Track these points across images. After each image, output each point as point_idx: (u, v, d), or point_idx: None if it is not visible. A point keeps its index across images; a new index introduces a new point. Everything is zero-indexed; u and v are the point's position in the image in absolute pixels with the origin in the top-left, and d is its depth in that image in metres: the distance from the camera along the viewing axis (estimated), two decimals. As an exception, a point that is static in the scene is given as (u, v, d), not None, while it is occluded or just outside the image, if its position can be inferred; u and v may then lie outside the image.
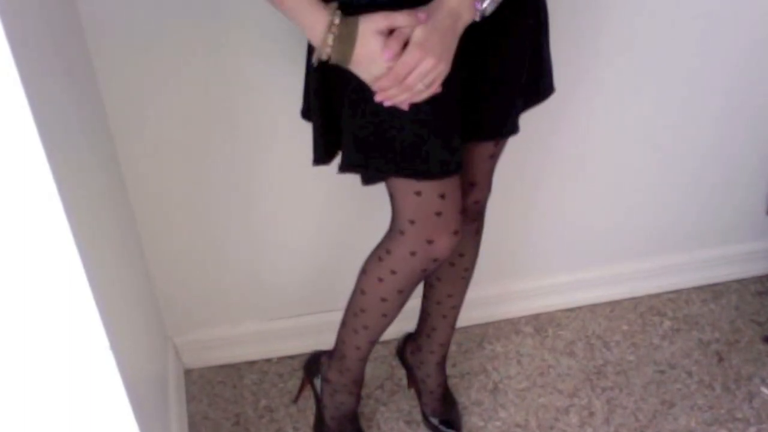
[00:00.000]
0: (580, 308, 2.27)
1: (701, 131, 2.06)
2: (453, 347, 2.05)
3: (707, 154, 2.12)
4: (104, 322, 1.12)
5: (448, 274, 1.71)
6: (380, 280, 1.54)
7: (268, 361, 2.11)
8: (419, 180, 1.35)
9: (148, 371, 1.62)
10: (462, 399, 2.01)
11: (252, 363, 2.11)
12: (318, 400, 1.87)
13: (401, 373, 2.03)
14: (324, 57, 1.22)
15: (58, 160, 1.01)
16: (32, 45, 1.04)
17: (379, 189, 1.46)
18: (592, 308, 2.28)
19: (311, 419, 1.94)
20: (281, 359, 2.11)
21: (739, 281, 2.36)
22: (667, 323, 2.24)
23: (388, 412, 1.99)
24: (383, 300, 1.57)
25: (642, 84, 1.93)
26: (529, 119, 1.47)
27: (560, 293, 2.24)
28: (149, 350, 1.71)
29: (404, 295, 1.57)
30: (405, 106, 1.25)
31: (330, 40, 1.21)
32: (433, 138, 1.30)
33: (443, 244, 1.45)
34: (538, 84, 1.46)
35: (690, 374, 2.09)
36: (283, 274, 2.01)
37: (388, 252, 1.51)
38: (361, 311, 1.62)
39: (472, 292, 1.78)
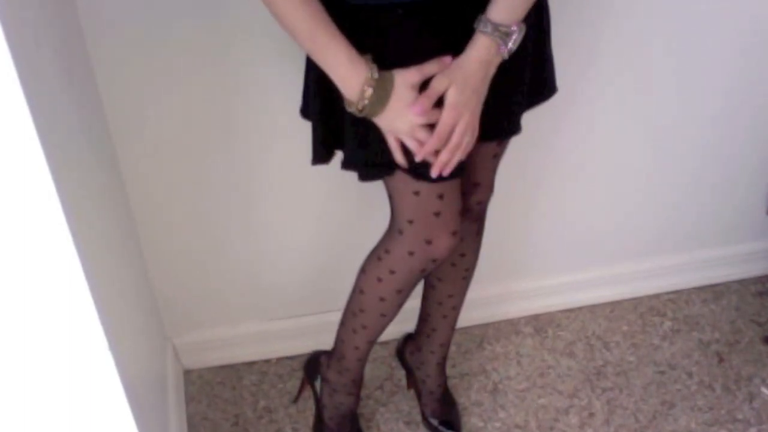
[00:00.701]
0: (580, 309, 2.27)
1: (701, 131, 2.06)
2: (453, 348, 2.05)
3: (707, 154, 2.11)
4: (103, 322, 1.12)
5: (448, 274, 1.70)
6: (379, 279, 1.54)
7: (268, 361, 2.11)
8: (418, 180, 1.35)
9: (147, 372, 1.62)
10: (462, 399, 2.01)
11: (251, 364, 2.10)
12: (317, 401, 1.87)
13: (401, 373, 2.03)
14: (359, 108, 1.24)
15: (57, 160, 1.01)
16: (31, 45, 1.03)
17: (379, 189, 1.46)
18: (592, 309, 2.27)
19: (310, 420, 1.94)
20: (280, 360, 2.11)
21: (740, 281, 2.36)
22: (668, 324, 2.23)
23: (388, 412, 1.99)
24: (382, 300, 1.57)
25: (642, 84, 1.92)
26: (529, 119, 1.47)
27: (560, 294, 2.24)
28: (148, 351, 1.71)
29: (403, 295, 1.56)
30: (449, 169, 1.31)
31: (368, 95, 1.23)
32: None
33: (442, 245, 1.44)
34: (540, 83, 1.46)
35: (690, 375, 2.08)
36: (283, 274, 2.01)
37: (386, 252, 1.51)
38: (360, 311, 1.62)
39: (472, 293, 1.77)
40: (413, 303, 1.78)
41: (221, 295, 2.01)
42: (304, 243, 1.97)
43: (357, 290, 1.61)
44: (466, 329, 2.18)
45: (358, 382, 1.80)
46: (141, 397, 1.41)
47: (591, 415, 1.98)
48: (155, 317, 1.93)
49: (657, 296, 2.31)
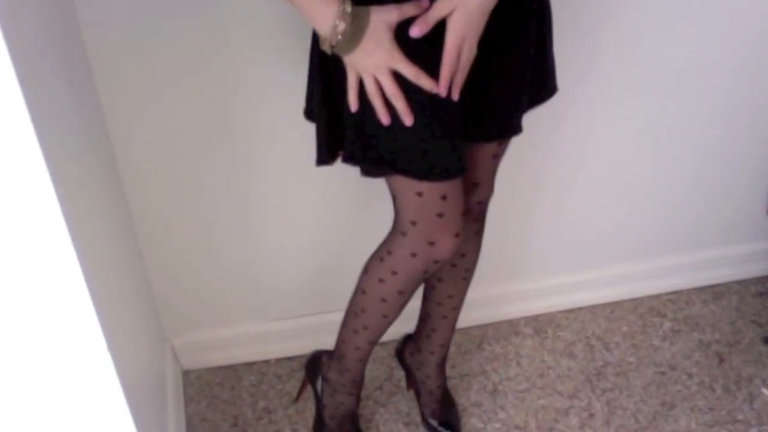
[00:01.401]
0: (579, 309, 2.27)
1: (701, 132, 2.06)
2: (452, 348, 2.05)
3: (707, 155, 2.11)
4: (102, 323, 1.12)
5: (449, 274, 1.70)
6: (381, 280, 1.54)
7: (267, 362, 2.11)
8: (421, 180, 1.35)
9: (146, 373, 1.61)
10: (461, 400, 2.00)
11: (250, 364, 2.10)
12: (318, 400, 1.86)
13: (400, 374, 2.02)
14: (333, 44, 1.21)
15: (56, 161, 1.01)
16: (29, 44, 1.03)
17: (381, 190, 1.45)
18: (592, 309, 2.27)
19: (310, 421, 1.93)
20: (279, 360, 2.11)
21: (740, 282, 2.36)
22: (668, 324, 2.23)
23: (387, 413, 1.98)
24: (383, 300, 1.56)
25: (642, 84, 1.92)
26: (529, 119, 1.47)
27: (560, 294, 2.24)
28: (147, 352, 1.71)
29: (405, 296, 1.56)
30: (457, 91, 1.27)
31: (341, 29, 1.19)
32: (435, 139, 1.30)
33: (445, 246, 1.44)
34: (541, 84, 1.45)
35: (690, 375, 2.08)
36: (282, 275, 2.01)
37: (389, 252, 1.50)
38: (362, 311, 1.61)
39: (472, 293, 1.77)
40: (413, 303, 1.78)
41: (220, 295, 2.00)
42: (304, 244, 1.97)
43: (359, 291, 1.61)
44: (466, 330, 2.17)
45: (359, 383, 1.79)
46: (140, 397, 1.41)
47: (591, 415, 1.97)
48: (154, 318, 1.92)
49: (657, 297, 2.31)
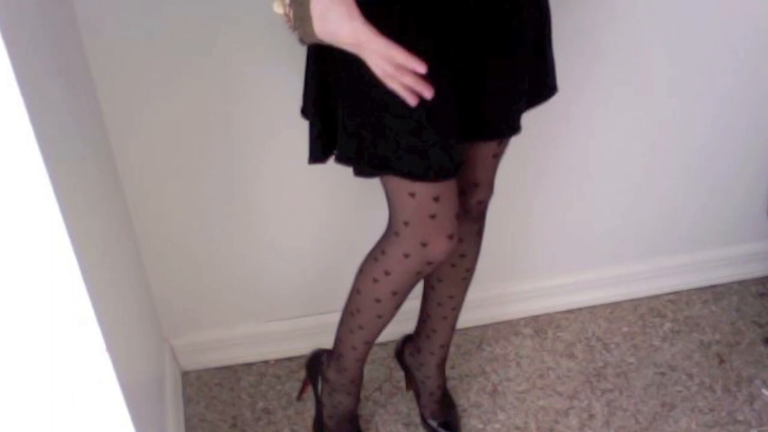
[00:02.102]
0: (579, 310, 2.26)
1: (701, 132, 2.06)
2: (452, 349, 2.04)
3: (707, 155, 2.11)
4: (101, 324, 1.12)
5: (449, 275, 1.70)
6: (375, 280, 1.54)
7: (266, 363, 2.10)
8: (413, 181, 1.35)
9: (145, 373, 1.61)
10: (461, 401, 2.00)
11: (249, 365, 2.10)
12: (317, 400, 1.86)
13: (400, 375, 2.02)
14: (295, 29, 1.18)
15: (55, 161, 1.00)
16: (28, 44, 1.03)
17: (380, 190, 1.45)
18: (592, 310, 2.27)
19: (309, 421, 1.93)
20: (279, 361, 2.10)
21: (740, 282, 2.35)
22: (668, 325, 2.23)
23: (387, 414, 1.98)
24: (377, 301, 1.56)
25: (642, 84, 1.92)
26: (529, 119, 1.47)
27: (560, 295, 2.24)
28: (146, 352, 1.70)
29: (399, 297, 1.56)
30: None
31: (291, 15, 1.18)
32: (429, 139, 1.30)
33: (438, 248, 1.44)
34: (540, 84, 1.45)
35: (690, 376, 2.08)
36: (281, 275, 2.00)
37: (383, 253, 1.50)
38: (357, 311, 1.62)
39: (471, 294, 1.77)
40: (413, 304, 1.78)
41: (219, 296, 2.00)
42: (303, 244, 1.96)
43: (354, 290, 1.61)
44: (466, 330, 2.17)
45: (357, 383, 1.79)
46: (138, 398, 1.41)
47: (591, 416, 1.97)
48: (153, 318, 1.92)
49: (657, 297, 2.31)
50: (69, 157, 1.18)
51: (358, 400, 1.83)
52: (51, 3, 1.32)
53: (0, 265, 1.01)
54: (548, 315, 2.25)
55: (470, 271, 1.71)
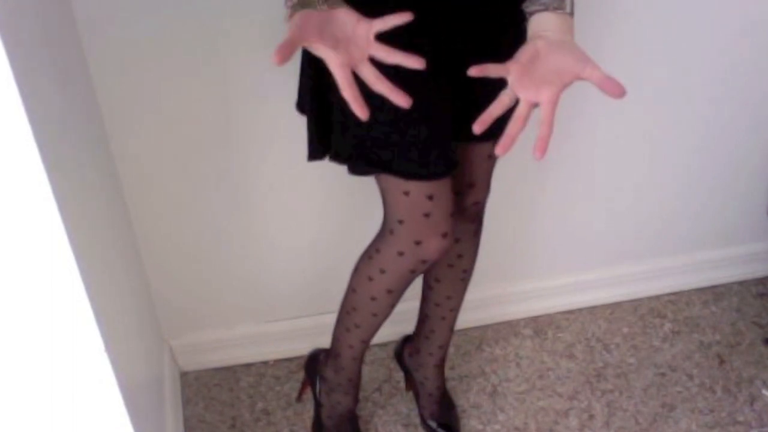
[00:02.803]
0: (579, 310, 2.26)
1: (701, 132, 2.06)
2: (451, 349, 2.04)
3: (707, 155, 2.11)
4: (99, 324, 1.12)
5: (446, 275, 1.70)
6: (370, 278, 1.54)
7: (265, 363, 2.10)
8: (407, 180, 1.35)
9: (144, 374, 1.61)
10: (460, 402, 2.00)
11: (248, 365, 2.09)
12: (316, 400, 1.86)
13: (399, 375, 2.02)
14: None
15: (53, 161, 1.00)
16: (26, 43, 1.02)
17: (377, 190, 1.44)
18: (592, 310, 2.26)
19: (308, 422, 1.93)
20: (278, 362, 2.10)
21: (741, 283, 2.35)
22: (668, 325, 2.22)
23: (386, 415, 1.97)
24: (373, 299, 1.57)
25: (642, 85, 1.92)
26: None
27: (560, 295, 2.23)
28: (145, 353, 1.70)
29: (394, 296, 1.56)
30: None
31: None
32: (422, 138, 1.30)
33: (432, 247, 1.44)
34: None
35: (691, 377, 2.07)
36: (280, 276, 2.00)
37: (377, 251, 1.51)
38: (353, 309, 1.62)
39: (471, 294, 1.76)
40: (412, 304, 1.78)
41: (218, 296, 2.00)
42: (302, 245, 1.96)
43: (350, 289, 1.61)
44: (465, 331, 2.17)
45: (355, 382, 1.79)
46: (137, 399, 1.40)
47: (591, 417, 1.97)
48: (152, 319, 1.92)
49: (657, 298, 2.30)
50: (68, 158, 1.18)
51: (356, 399, 1.83)
52: (50, 2, 1.32)
53: (-1, 266, 1.01)
54: (548, 315, 2.24)
55: (468, 272, 1.71)
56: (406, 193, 1.37)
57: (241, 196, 1.83)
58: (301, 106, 1.43)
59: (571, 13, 1.23)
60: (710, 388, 2.05)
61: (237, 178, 1.79)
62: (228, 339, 2.06)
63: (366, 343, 1.70)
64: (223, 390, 2.04)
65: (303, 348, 1.96)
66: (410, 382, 1.94)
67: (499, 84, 1.36)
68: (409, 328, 1.87)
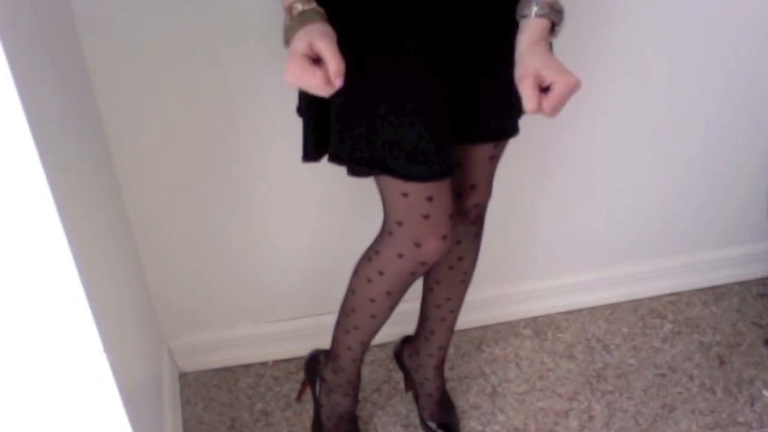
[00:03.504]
0: (579, 311, 2.26)
1: (701, 132, 2.05)
2: (451, 350, 2.04)
3: (707, 156, 2.11)
4: (98, 325, 1.12)
5: (447, 277, 1.69)
6: (369, 280, 1.54)
7: (264, 364, 2.10)
8: (406, 181, 1.34)
9: (143, 374, 1.61)
10: (460, 403, 1.99)
11: (248, 366, 2.09)
12: (316, 401, 1.86)
13: (399, 376, 2.01)
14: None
15: (52, 162, 1.00)
16: (26, 44, 1.02)
17: (376, 191, 1.44)
18: (592, 311, 2.26)
19: (308, 423, 1.92)
20: (277, 362, 2.10)
21: (741, 283, 2.35)
22: (668, 326, 2.22)
23: (386, 415, 1.97)
24: (372, 301, 1.57)
25: (642, 85, 1.92)
26: (528, 120, 1.46)
27: (559, 296, 2.23)
28: (144, 353, 1.70)
29: (393, 297, 1.56)
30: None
31: (287, 19, 1.20)
32: (421, 140, 1.30)
33: (431, 248, 1.43)
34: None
35: (691, 377, 2.07)
36: (279, 276, 2.00)
37: (377, 252, 1.51)
38: (352, 311, 1.62)
39: (471, 295, 1.76)
40: (412, 305, 1.77)
41: (218, 297, 1.99)
42: (301, 245, 1.96)
43: (349, 290, 1.61)
44: (465, 331, 2.16)
45: (354, 383, 1.79)
46: (136, 399, 1.40)
47: (591, 418, 1.96)
48: (151, 319, 1.91)
49: (657, 298, 2.30)
50: (67, 158, 1.18)
51: (356, 400, 1.82)
52: (48, 2, 1.32)
53: (-2, 266, 1.01)
54: (548, 316, 2.24)
55: (468, 274, 1.71)
56: (405, 195, 1.37)
57: (241, 196, 1.82)
58: (301, 111, 1.43)
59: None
60: (710, 389, 2.04)
61: (237, 179, 1.79)
62: (227, 339, 2.06)
63: (365, 345, 1.69)
64: (222, 391, 2.03)
65: (302, 349, 1.96)
66: (410, 383, 1.94)
67: (500, 86, 1.36)
68: (408, 328, 1.87)
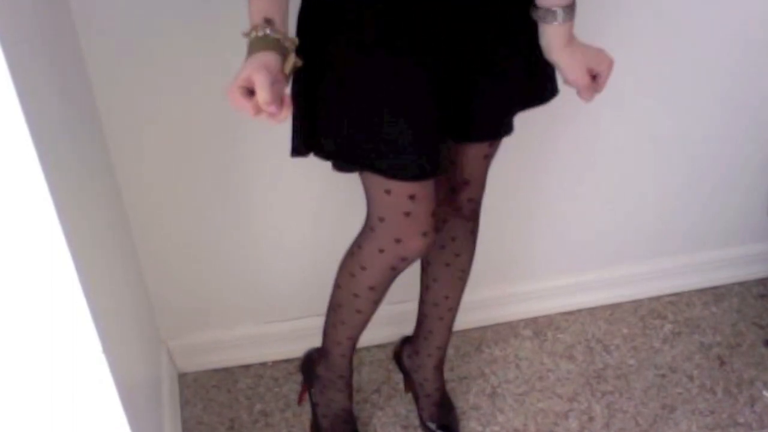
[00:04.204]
0: (579, 311, 2.26)
1: (701, 132, 2.05)
2: (450, 351, 2.03)
3: (708, 156, 2.10)
4: (97, 325, 1.12)
5: (444, 275, 1.70)
6: (352, 275, 1.56)
7: (263, 364, 2.09)
8: (389, 179, 1.35)
9: (142, 375, 1.61)
10: (460, 403, 1.99)
11: (247, 367, 2.09)
12: (312, 400, 1.86)
13: (398, 377, 2.01)
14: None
15: (51, 162, 1.00)
16: (25, 45, 1.03)
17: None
18: (592, 311, 2.26)
19: (307, 424, 1.92)
20: (276, 363, 2.09)
21: (741, 284, 2.35)
22: (668, 326, 2.22)
23: (385, 416, 1.97)
24: (355, 296, 1.59)
25: (642, 85, 1.92)
26: (528, 120, 1.46)
27: (559, 296, 2.23)
28: (143, 354, 1.70)
29: (376, 293, 1.57)
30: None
31: (251, 36, 1.24)
32: (405, 139, 1.30)
33: (412, 245, 1.45)
34: (540, 85, 1.44)
35: (691, 378, 2.07)
36: (278, 277, 2.00)
37: (359, 247, 1.53)
38: (338, 306, 1.64)
39: (470, 295, 1.76)
40: (411, 305, 1.77)
41: (217, 297, 1.99)
42: (300, 246, 1.96)
43: (335, 285, 1.64)
44: (465, 332, 2.16)
45: (347, 379, 1.80)
46: (135, 400, 1.40)
47: (591, 419, 1.96)
48: (150, 320, 1.91)
49: (657, 299, 2.30)
50: (66, 159, 1.18)
51: (351, 398, 1.83)
52: (48, 4, 1.32)
53: (-3, 267, 1.00)
54: (548, 316, 2.24)
55: (465, 271, 1.71)
56: (388, 192, 1.39)
57: (241, 196, 1.82)
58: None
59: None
60: (711, 390, 2.04)
61: (237, 179, 1.79)
62: (226, 340, 2.06)
63: (353, 340, 1.71)
64: (222, 391, 2.03)
65: (302, 349, 1.96)
66: (409, 384, 1.94)
67: (494, 86, 1.36)
68: (408, 328, 1.87)
